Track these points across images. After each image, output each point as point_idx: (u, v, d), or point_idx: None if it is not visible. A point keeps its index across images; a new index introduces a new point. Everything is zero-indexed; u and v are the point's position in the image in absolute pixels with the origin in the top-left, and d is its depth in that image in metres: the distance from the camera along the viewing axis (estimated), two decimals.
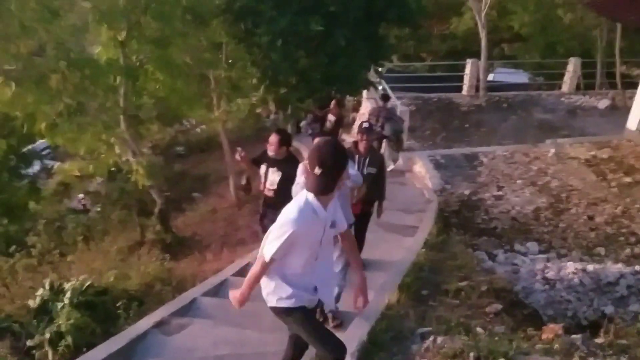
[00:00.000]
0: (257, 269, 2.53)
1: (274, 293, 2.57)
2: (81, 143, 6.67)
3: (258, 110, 7.58)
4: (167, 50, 6.73)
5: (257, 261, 2.53)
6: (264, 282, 2.59)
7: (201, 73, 7.68)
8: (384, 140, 8.27)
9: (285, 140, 4.28)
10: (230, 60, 7.39)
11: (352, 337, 3.62)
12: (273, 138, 4.24)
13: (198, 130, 12.91)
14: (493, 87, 12.07)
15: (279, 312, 2.62)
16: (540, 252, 6.24)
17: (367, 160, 4.59)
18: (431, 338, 3.75)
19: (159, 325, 4.00)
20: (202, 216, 8.44)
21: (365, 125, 4.60)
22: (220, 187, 8.71)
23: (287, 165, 4.20)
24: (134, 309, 5.11)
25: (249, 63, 7.28)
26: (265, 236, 2.55)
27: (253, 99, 7.37)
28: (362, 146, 4.55)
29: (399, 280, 4.83)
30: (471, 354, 3.35)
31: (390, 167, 9.14)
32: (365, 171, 4.51)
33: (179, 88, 7.50)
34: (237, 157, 4.34)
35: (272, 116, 10.70)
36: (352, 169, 3.92)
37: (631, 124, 8.90)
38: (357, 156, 4.56)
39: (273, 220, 2.52)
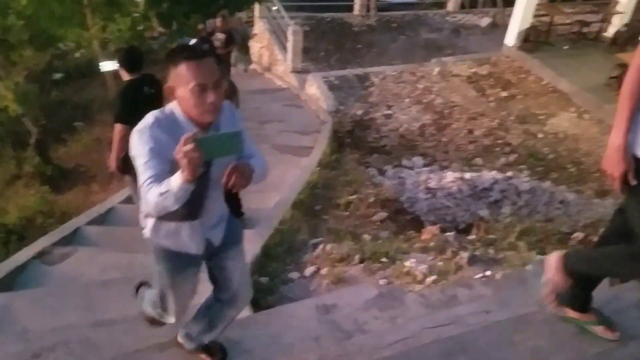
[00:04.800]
0: None
1: None
2: None
3: (140, 28, 6.99)
4: None
5: None
6: None
7: None
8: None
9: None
10: None
11: (245, 252, 3.69)
12: None
13: (77, 54, 11.79)
14: (384, 6, 12.13)
15: None
16: (424, 165, 6.62)
17: None
18: (321, 246, 3.95)
19: (40, 255, 3.80)
20: (86, 146, 7.91)
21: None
22: (105, 115, 8.14)
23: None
24: (13, 243, 4.82)
25: None
26: None
27: (134, 16, 6.78)
28: None
29: (292, 198, 4.95)
30: (356, 256, 3.59)
31: (242, 68, 9.93)
32: None
33: (48, 3, 6.71)
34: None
35: (158, 37, 10.01)
36: None
37: (508, 40, 9.46)
38: None
39: None
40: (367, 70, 9.10)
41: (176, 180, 1.59)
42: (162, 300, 2.18)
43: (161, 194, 1.63)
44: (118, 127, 3.84)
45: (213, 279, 2.20)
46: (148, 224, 1.99)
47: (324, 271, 3.55)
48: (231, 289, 2.19)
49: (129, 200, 4.79)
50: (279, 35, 10.38)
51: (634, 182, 1.78)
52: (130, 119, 3.83)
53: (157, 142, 1.71)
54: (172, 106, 1.81)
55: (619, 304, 2.18)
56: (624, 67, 7.76)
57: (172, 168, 1.66)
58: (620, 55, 8.12)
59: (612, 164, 1.81)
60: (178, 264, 2.07)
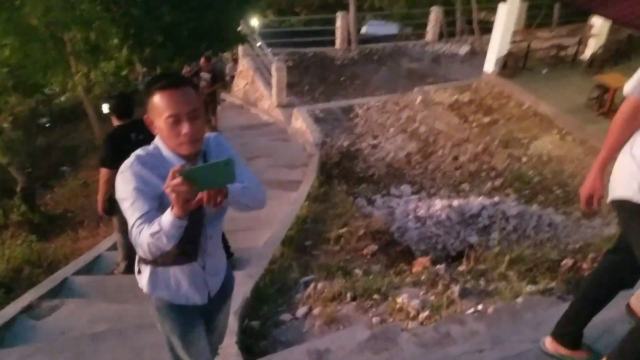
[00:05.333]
0: None
1: None
2: None
3: (124, 73, 7.06)
4: (18, 11, 5.99)
5: None
6: None
7: (54, 35, 6.97)
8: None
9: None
10: (86, 19, 6.76)
11: (235, 295, 3.65)
12: None
13: (62, 99, 11.86)
14: (365, 39, 12.38)
15: None
16: (413, 193, 6.67)
17: None
18: (312, 285, 3.92)
19: (28, 309, 3.73)
20: (73, 191, 7.87)
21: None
22: (91, 159, 8.14)
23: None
24: (0, 296, 4.73)
25: (108, 21, 6.72)
26: None
27: (117, 61, 6.85)
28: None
29: (282, 235, 4.92)
30: (348, 294, 3.56)
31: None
32: None
33: (31, 53, 6.77)
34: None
35: (141, 78, 10.11)
36: None
37: (488, 66, 9.66)
38: None
39: None
40: (351, 102, 9.23)
41: (167, 218, 1.48)
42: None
43: (153, 234, 1.51)
44: (103, 171, 3.93)
45: None
46: (143, 276, 1.85)
47: (316, 311, 3.51)
48: (214, 337, 2.15)
49: (115, 247, 4.75)
50: (263, 72, 10.52)
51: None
52: (115, 164, 3.88)
53: (140, 181, 1.62)
54: (157, 141, 1.73)
55: (610, 338, 2.17)
56: (602, 88, 7.95)
57: (162, 205, 1.58)
58: (598, 76, 8.31)
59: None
60: (184, 319, 1.91)
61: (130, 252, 4.33)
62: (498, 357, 2.18)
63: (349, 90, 10.19)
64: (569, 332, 2.11)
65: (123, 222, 4.16)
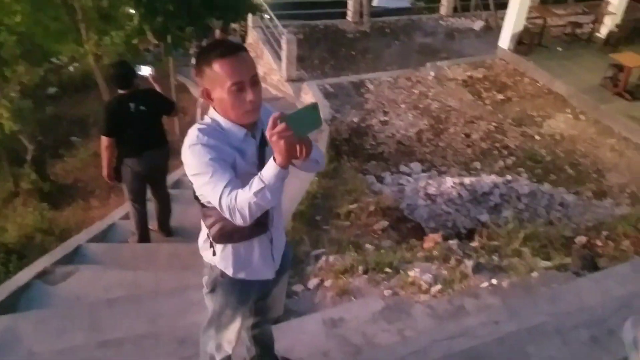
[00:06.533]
0: None
1: None
2: None
3: (135, 42, 6.99)
4: None
5: None
6: None
7: (66, 2, 6.90)
8: None
9: None
10: None
11: None
12: None
13: (71, 68, 11.79)
14: (377, 12, 12.15)
15: None
16: (423, 171, 6.63)
17: None
18: (324, 258, 3.94)
19: (42, 275, 3.78)
20: (84, 161, 7.89)
21: None
22: None
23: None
24: (14, 262, 4.78)
25: None
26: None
27: (128, 30, 6.78)
28: None
29: (293, 209, 4.94)
30: (360, 267, 3.58)
31: None
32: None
33: (42, 20, 6.71)
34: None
35: (152, 49, 10.02)
36: None
37: (503, 42, 9.50)
38: None
39: None
40: (362, 77, 9.12)
41: (270, 171, 1.43)
42: (220, 332, 1.99)
43: (256, 193, 1.44)
44: (103, 139, 4.00)
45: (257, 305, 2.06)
46: (217, 254, 1.80)
47: (327, 283, 3.53)
48: (278, 311, 2.20)
49: (129, 215, 4.78)
50: (272, 45, 10.39)
51: None
52: (113, 133, 3.91)
53: (214, 151, 1.54)
54: (211, 115, 1.67)
55: (628, 312, 2.17)
56: (617, 67, 7.81)
57: (236, 174, 1.55)
58: (613, 55, 8.16)
59: None
60: (246, 296, 1.91)
61: (142, 221, 4.37)
62: (514, 329, 2.19)
63: (360, 65, 10.04)
64: None
65: (130, 191, 4.21)
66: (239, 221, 1.53)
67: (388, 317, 2.65)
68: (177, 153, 1.99)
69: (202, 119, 1.74)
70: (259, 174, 1.47)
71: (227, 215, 1.53)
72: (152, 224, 4.56)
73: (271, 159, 1.44)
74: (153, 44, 9.03)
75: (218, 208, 1.54)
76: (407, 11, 12.90)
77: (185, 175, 1.84)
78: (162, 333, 2.83)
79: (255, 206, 1.48)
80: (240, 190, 1.49)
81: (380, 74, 9.20)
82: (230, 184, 1.51)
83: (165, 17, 6.35)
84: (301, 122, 1.42)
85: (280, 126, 1.36)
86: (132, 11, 6.91)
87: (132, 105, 3.94)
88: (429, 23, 11.78)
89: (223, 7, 6.76)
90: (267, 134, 1.39)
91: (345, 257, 3.82)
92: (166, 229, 4.62)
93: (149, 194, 4.44)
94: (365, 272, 3.58)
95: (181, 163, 1.66)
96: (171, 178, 5.48)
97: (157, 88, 4.35)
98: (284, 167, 1.43)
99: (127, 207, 4.50)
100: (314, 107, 1.44)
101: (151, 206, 4.50)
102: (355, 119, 7.81)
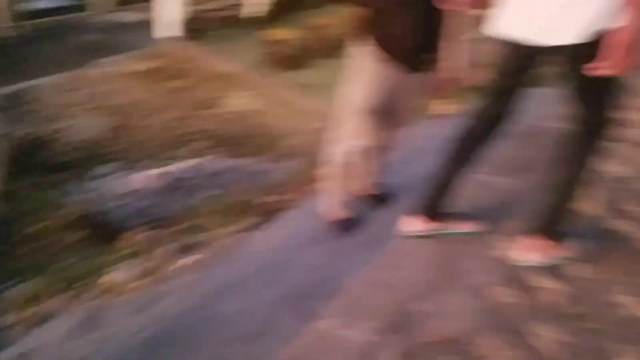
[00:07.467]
0: None
1: None
2: None
3: None
4: None
5: None
6: None
7: None
8: None
9: None
10: None
11: None
12: None
13: None
14: (31, 14, 10.85)
15: None
16: (116, 170, 6.40)
17: None
18: (13, 289, 3.49)
19: None
20: None
21: None
22: None
23: None
24: None
25: None
26: None
27: None
28: None
29: None
30: (53, 289, 3.29)
31: None
32: None
33: None
34: None
35: None
36: None
37: (164, 32, 9.73)
38: None
39: None
40: (31, 84, 8.18)
41: None
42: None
43: None
44: None
45: None
46: None
47: (19, 316, 3.17)
48: None
49: None
50: None
51: None
52: None
53: None
54: None
55: None
56: (272, 43, 8.93)
57: None
58: (264, 33, 9.26)
59: None
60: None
61: None
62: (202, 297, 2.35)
63: (21, 73, 8.91)
64: None
65: None
66: None
67: (83, 330, 2.52)
68: None
69: None
70: None
71: None
72: None
73: None
74: None
75: None
76: (67, 10, 11.92)
77: None
78: None
79: None
80: None
81: (45, 79, 8.38)
82: None
83: None
84: None
85: None
86: None
87: None
88: (90, 20, 11.19)
89: None
90: None
91: (37, 283, 3.46)
92: None
93: None
94: (60, 291, 3.33)
95: None
96: None
97: None
98: None
99: None
100: None
101: None
102: (32, 131, 7.01)
